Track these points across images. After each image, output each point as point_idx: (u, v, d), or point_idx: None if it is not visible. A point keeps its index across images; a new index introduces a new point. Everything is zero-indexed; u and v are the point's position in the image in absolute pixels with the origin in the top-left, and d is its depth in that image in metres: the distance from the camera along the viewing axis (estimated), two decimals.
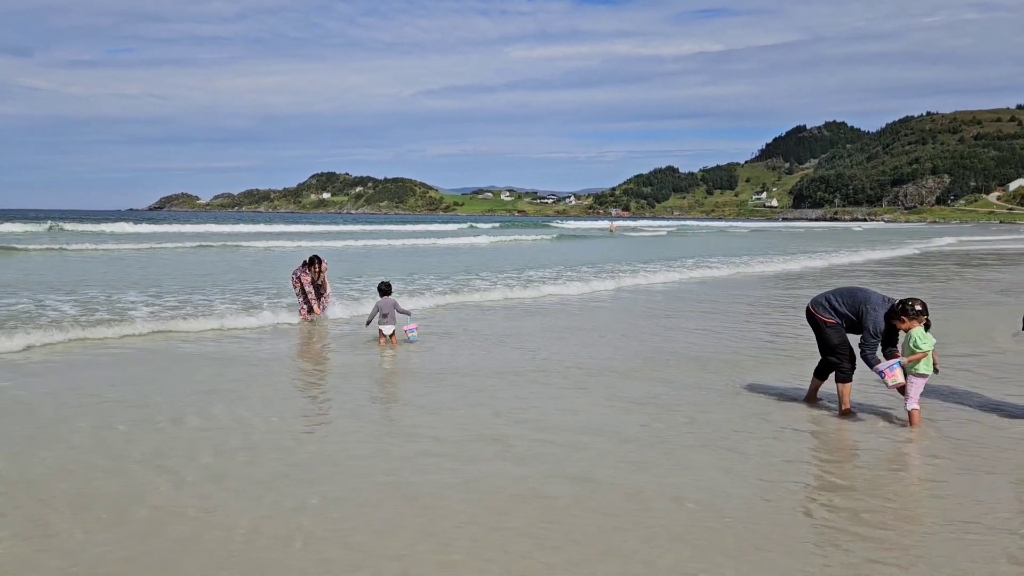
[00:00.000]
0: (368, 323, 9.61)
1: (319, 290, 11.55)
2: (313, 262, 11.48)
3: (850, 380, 6.30)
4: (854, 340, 6.26)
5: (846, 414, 6.22)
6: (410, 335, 9.32)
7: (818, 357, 6.57)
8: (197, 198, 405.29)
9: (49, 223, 46.80)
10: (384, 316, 9.31)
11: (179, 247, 28.55)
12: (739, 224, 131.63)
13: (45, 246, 26.10)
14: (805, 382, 6.83)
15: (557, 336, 9.94)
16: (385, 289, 9.58)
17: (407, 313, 9.63)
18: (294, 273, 11.59)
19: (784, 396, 6.80)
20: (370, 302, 10.67)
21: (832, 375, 6.43)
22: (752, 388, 7.11)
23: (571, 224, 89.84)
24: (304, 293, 11.33)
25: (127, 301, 12.35)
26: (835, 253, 31.73)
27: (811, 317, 6.46)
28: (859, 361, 6.15)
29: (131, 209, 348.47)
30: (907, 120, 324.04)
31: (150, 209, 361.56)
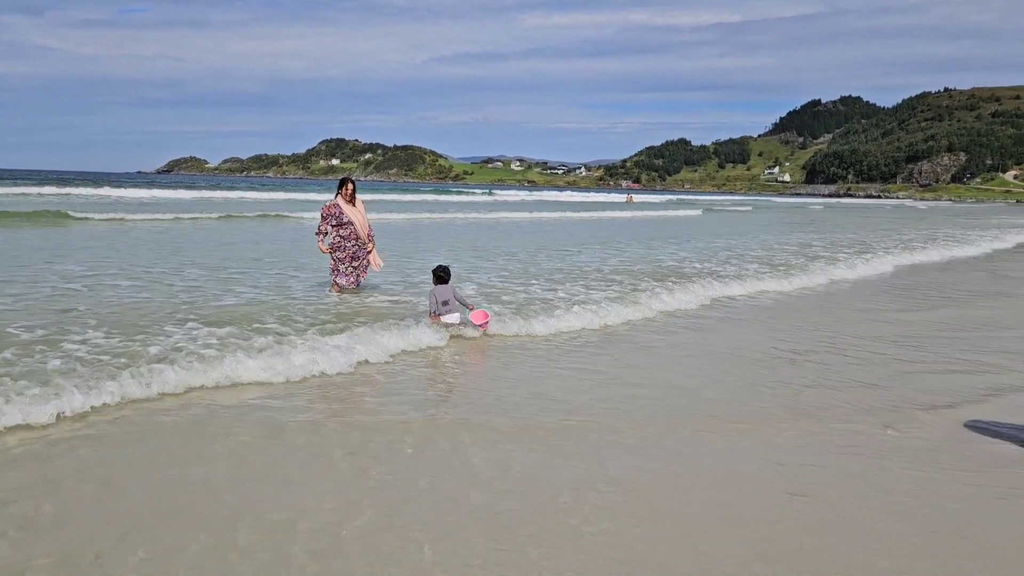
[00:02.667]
0: (431, 315, 8.09)
1: (357, 246, 9.77)
2: (343, 185, 9.89)
3: None
4: None
5: None
6: (479, 327, 7.91)
7: None
8: (205, 162, 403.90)
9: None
10: (444, 304, 8.01)
11: (204, 217, 25.51)
12: (772, 199, 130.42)
13: (75, 215, 22.68)
14: None
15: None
16: (442, 275, 8.19)
17: (467, 306, 8.14)
18: (324, 209, 9.85)
19: None
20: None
21: None
22: None
23: (580, 196, 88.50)
24: (340, 235, 9.63)
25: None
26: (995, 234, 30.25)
27: None
28: None
29: (139, 172, 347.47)
30: (924, 96, 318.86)
31: (158, 172, 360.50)
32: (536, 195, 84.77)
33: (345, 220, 9.81)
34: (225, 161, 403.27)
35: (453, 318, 8.00)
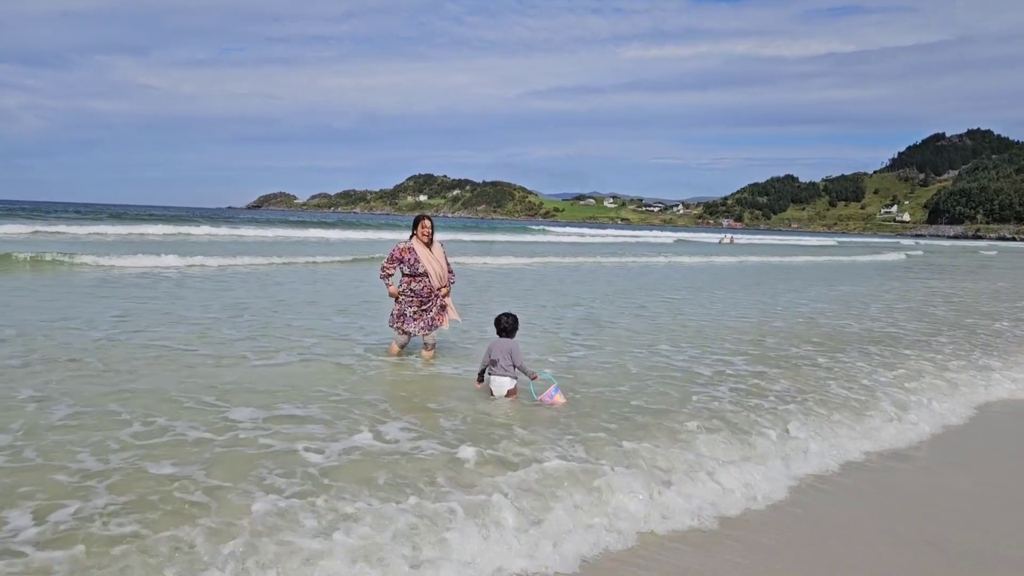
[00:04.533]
0: (480, 378, 7.19)
1: (425, 285, 8.45)
2: (419, 223, 8.59)
3: None
4: None
5: None
6: (543, 396, 6.82)
7: None
8: (295, 197, 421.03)
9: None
10: (493, 363, 6.95)
11: (335, 262, 24.17)
12: (899, 241, 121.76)
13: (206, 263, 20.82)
14: None
15: None
16: (505, 326, 7.08)
17: (529, 375, 6.95)
18: (395, 251, 8.54)
19: None
20: None
21: None
22: None
23: (686, 235, 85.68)
24: (411, 288, 8.41)
25: None
26: None
27: None
28: None
29: (229, 207, 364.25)
30: None
31: (248, 208, 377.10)
32: (616, 233, 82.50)
33: (420, 270, 8.46)
34: (313, 197, 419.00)
35: (501, 385, 6.87)
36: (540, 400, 6.79)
